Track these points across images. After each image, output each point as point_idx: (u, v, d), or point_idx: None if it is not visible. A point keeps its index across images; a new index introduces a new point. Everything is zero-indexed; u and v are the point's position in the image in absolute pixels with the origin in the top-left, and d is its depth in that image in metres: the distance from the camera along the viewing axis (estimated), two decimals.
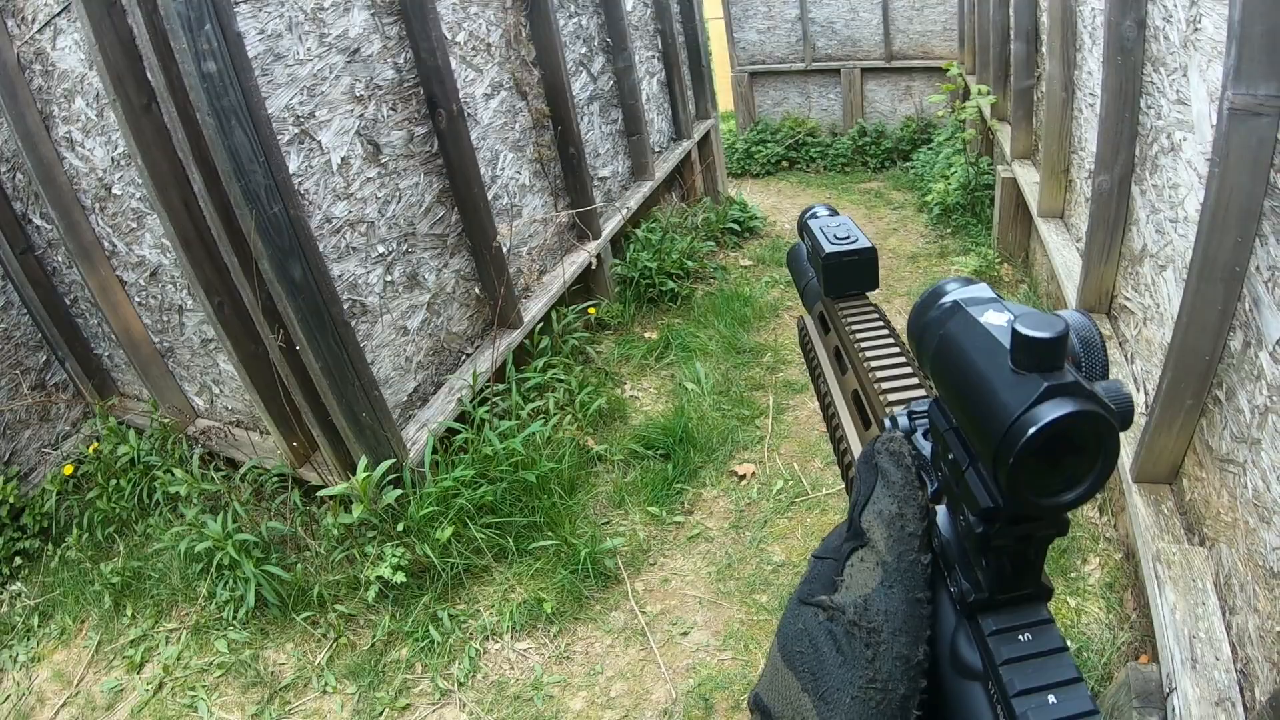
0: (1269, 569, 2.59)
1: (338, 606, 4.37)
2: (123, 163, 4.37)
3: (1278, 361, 2.59)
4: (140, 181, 4.12)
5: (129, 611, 4.73)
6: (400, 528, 4.40)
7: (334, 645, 4.28)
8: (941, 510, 0.62)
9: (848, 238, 0.93)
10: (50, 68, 4.34)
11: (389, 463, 4.39)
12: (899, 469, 0.63)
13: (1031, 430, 0.48)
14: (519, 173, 6.08)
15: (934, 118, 11.01)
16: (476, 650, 4.19)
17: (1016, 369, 0.51)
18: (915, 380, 0.78)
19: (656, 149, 8.68)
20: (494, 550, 4.59)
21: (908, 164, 11.04)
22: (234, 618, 4.43)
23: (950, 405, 0.59)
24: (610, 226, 7.23)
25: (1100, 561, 4.17)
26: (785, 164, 12.26)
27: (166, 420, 5.34)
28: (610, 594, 4.48)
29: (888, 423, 0.71)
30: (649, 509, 4.98)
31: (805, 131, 12.21)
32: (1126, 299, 4.43)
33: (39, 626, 4.85)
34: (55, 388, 5.89)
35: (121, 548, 5.10)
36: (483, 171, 5.47)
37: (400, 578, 4.26)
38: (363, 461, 4.30)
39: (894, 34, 11.31)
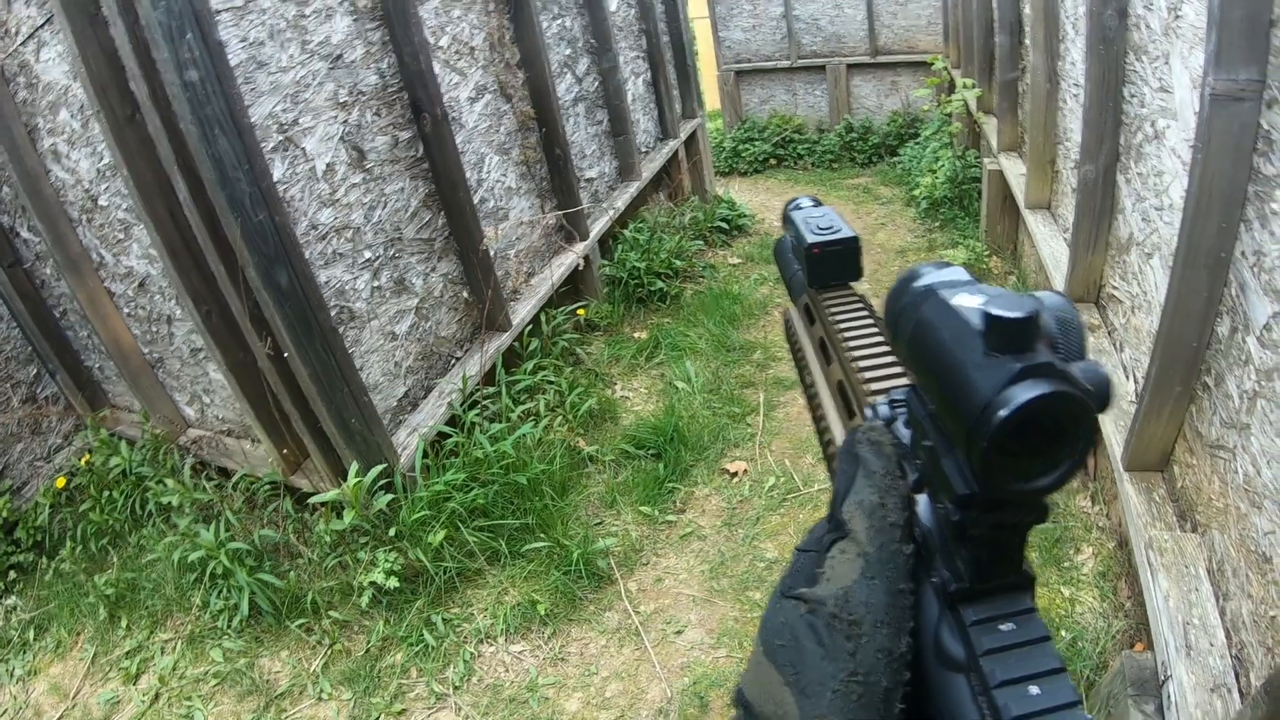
0: (1261, 554, 2.60)
1: (332, 613, 4.38)
2: (108, 173, 4.37)
3: (1265, 346, 2.60)
4: (126, 192, 4.12)
5: (124, 623, 4.73)
6: (392, 533, 4.40)
7: (329, 652, 4.28)
8: (923, 499, 0.61)
9: (830, 228, 0.92)
10: (34, 80, 4.34)
11: (380, 468, 4.39)
12: (880, 458, 0.62)
13: (1004, 413, 0.48)
14: (505, 175, 6.08)
15: (920, 112, 11.01)
16: (471, 654, 4.19)
17: (989, 352, 0.50)
18: (898, 369, 0.78)
19: (643, 149, 8.68)
20: (486, 553, 4.59)
21: (895, 159, 11.06)
22: (228, 626, 4.43)
23: (925, 390, 0.59)
24: (598, 227, 7.23)
25: (1094, 551, 4.17)
26: (773, 161, 12.27)
27: (158, 431, 5.33)
28: (604, 594, 4.48)
29: (869, 412, 0.70)
30: (641, 508, 4.99)
31: (792, 129, 12.23)
32: (1114, 288, 4.44)
33: (35, 640, 4.84)
34: (46, 401, 5.88)
35: (115, 559, 5.10)
36: (468, 175, 5.46)
37: (393, 583, 4.27)
38: (353, 467, 4.30)
39: (879, 29, 11.32)
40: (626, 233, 7.67)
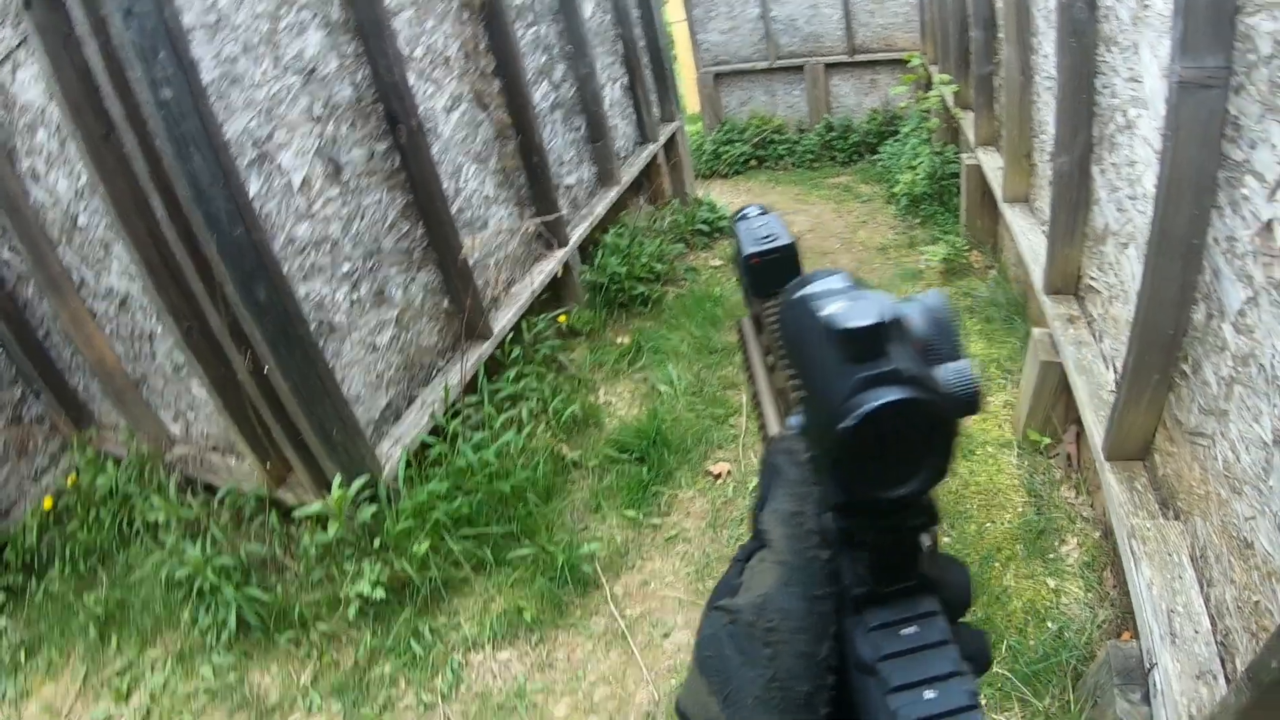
0: (1242, 539, 2.61)
1: (319, 625, 4.38)
2: (86, 193, 4.37)
3: (1240, 332, 2.61)
4: (104, 211, 4.12)
5: (114, 641, 4.72)
6: (377, 544, 4.40)
7: (318, 664, 4.29)
8: None
9: (769, 236, 0.92)
10: (11, 101, 4.34)
11: (363, 479, 4.39)
12: (795, 467, 0.63)
13: (846, 423, 0.49)
14: (483, 184, 6.09)
15: (899, 109, 11.01)
16: (459, 662, 4.20)
17: (841, 361, 0.51)
18: None
19: (622, 154, 8.68)
20: (472, 561, 4.59)
21: (875, 156, 11.04)
22: (218, 642, 4.42)
23: (802, 399, 0.60)
24: (578, 233, 7.22)
25: (1078, 541, 4.19)
26: (754, 163, 12.27)
27: (143, 448, 5.32)
28: (590, 599, 4.49)
29: (789, 421, 0.70)
30: (626, 512, 5.00)
31: (772, 129, 12.22)
32: (1092, 278, 4.46)
33: (26, 661, 4.83)
34: (32, 422, 5.87)
35: (104, 578, 5.08)
36: (446, 185, 5.47)
37: (380, 593, 4.27)
38: (337, 479, 4.30)
39: (856, 28, 11.33)
40: (607, 238, 7.66)
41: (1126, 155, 3.76)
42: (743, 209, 1.01)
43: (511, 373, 5.79)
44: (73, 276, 4.96)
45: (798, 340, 0.61)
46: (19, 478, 5.74)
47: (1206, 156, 2.71)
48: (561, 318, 6.81)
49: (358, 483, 4.35)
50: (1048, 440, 4.75)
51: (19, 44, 4.03)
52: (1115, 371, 3.99)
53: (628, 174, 8.49)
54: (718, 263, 8.47)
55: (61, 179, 4.44)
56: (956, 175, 8.30)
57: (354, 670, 4.23)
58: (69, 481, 5.55)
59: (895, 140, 10.60)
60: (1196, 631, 2.79)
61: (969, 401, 0.56)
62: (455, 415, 5.18)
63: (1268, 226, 2.38)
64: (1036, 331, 4.76)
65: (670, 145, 9.77)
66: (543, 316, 6.41)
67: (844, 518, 0.56)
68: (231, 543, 4.64)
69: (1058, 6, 4.24)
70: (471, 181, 5.94)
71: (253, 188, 4.10)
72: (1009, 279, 6.73)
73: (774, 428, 0.85)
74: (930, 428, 0.50)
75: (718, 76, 12.63)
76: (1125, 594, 3.61)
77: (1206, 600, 2.88)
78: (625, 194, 8.48)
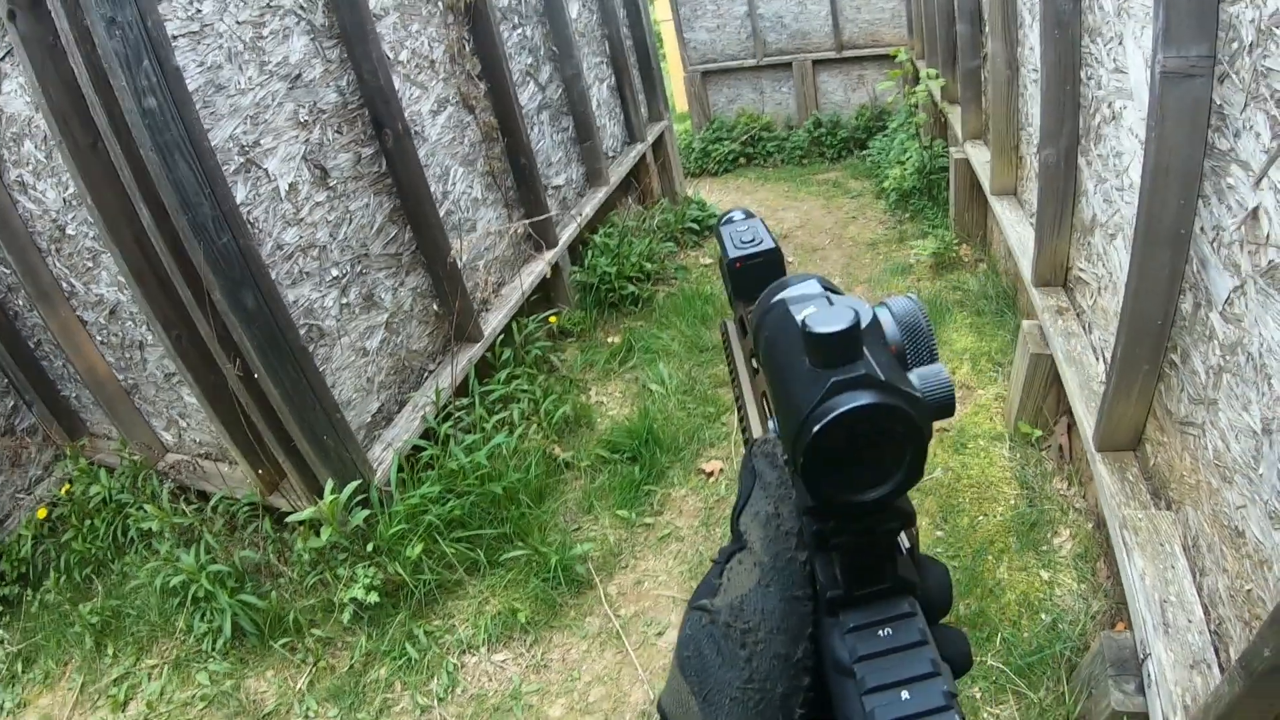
0: (1234, 528, 2.61)
1: (314, 631, 4.38)
2: (74, 203, 4.37)
3: (1228, 321, 2.61)
4: (92, 220, 4.11)
5: (110, 650, 4.72)
6: (370, 548, 4.40)
7: (313, 669, 4.29)
8: None
9: (752, 240, 0.92)
10: None
11: (355, 484, 4.39)
12: (774, 470, 0.63)
13: (816, 428, 0.49)
14: (471, 187, 6.09)
15: (887, 105, 11.03)
16: (454, 665, 4.20)
17: (811, 366, 0.52)
18: None
19: (610, 154, 8.69)
20: (465, 564, 4.60)
21: (864, 152, 11.06)
22: (213, 649, 4.43)
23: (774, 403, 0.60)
24: (567, 234, 7.24)
25: (1071, 533, 4.19)
26: (743, 160, 12.27)
27: (136, 457, 5.33)
28: (584, 599, 4.50)
29: (770, 425, 0.70)
30: (618, 512, 5.00)
31: (760, 127, 12.22)
32: (1081, 270, 4.46)
33: (23, 672, 4.83)
34: (25, 433, 5.87)
35: (100, 587, 5.08)
36: (433, 188, 5.47)
37: (374, 598, 4.27)
38: (329, 485, 4.30)
39: (843, 24, 11.32)
40: (596, 238, 7.67)
41: (1113, 146, 3.76)
42: (728, 213, 1.01)
43: (502, 374, 5.80)
44: (62, 286, 4.95)
45: (773, 344, 0.61)
46: (13, 489, 5.73)
47: (1192, 146, 2.71)
48: (552, 319, 6.83)
49: (350, 487, 4.35)
50: (1039, 432, 4.76)
51: (3, 55, 4.02)
52: (1105, 362, 4.00)
53: (616, 174, 8.50)
54: (708, 261, 8.48)
55: (49, 189, 4.43)
56: (945, 169, 8.29)
57: (349, 675, 4.23)
58: (63, 491, 5.56)
59: (884, 135, 10.62)
60: (1190, 621, 2.79)
61: (943, 405, 0.57)
62: (447, 418, 5.18)
63: (1254, 214, 2.38)
64: (1026, 324, 4.77)
65: (659, 144, 9.79)
66: (533, 318, 6.41)
67: (817, 521, 0.56)
68: (225, 550, 4.65)
69: None
70: (459, 184, 5.94)
71: (239, 194, 4.10)
72: (999, 272, 6.74)
73: (757, 430, 0.84)
74: (902, 432, 0.50)
75: (705, 75, 12.63)
76: (1118, 585, 3.61)
77: (1199, 589, 2.88)
78: (614, 194, 8.50)
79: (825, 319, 0.51)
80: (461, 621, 4.42)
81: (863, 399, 0.49)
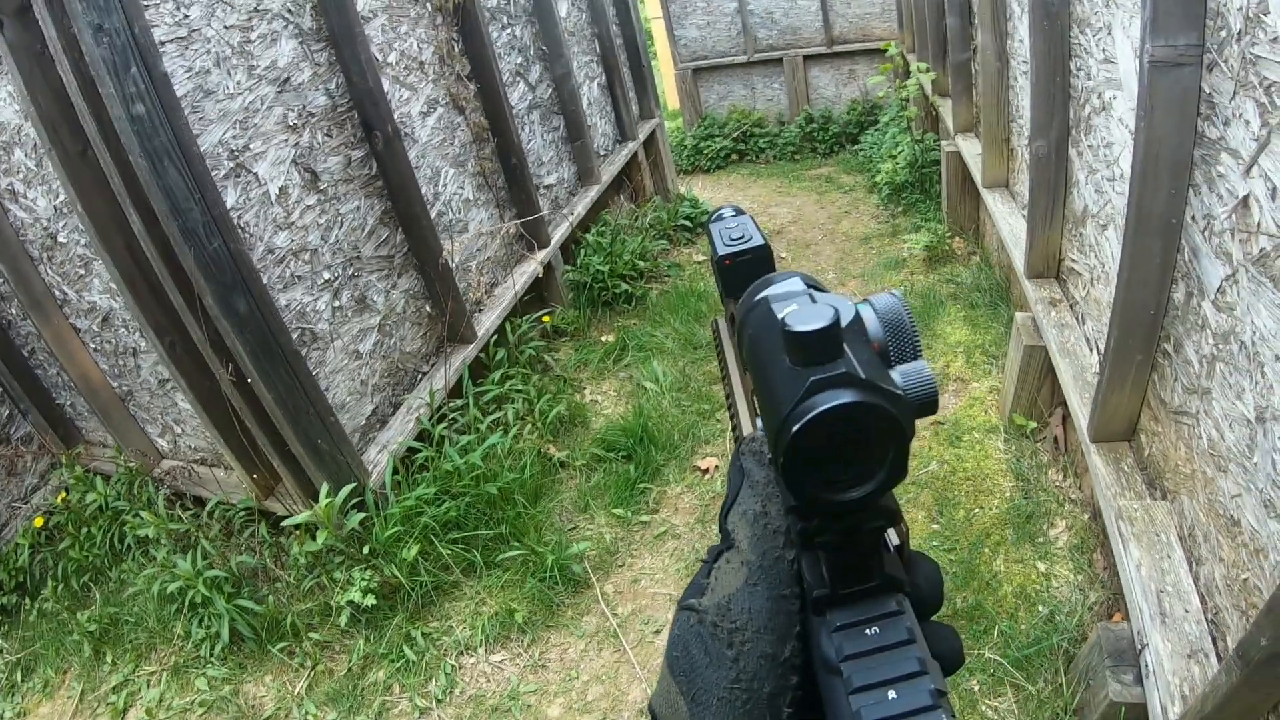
0: (1229, 517, 2.61)
1: (312, 634, 4.38)
2: (65, 210, 4.36)
3: (1220, 310, 2.61)
4: (83, 228, 4.10)
5: (109, 658, 4.72)
6: (366, 551, 4.40)
7: (311, 673, 4.29)
8: None
9: (741, 237, 0.92)
10: None
11: (350, 487, 4.38)
12: (762, 468, 0.63)
13: (795, 428, 0.48)
14: (462, 188, 6.08)
15: (879, 99, 11.05)
16: (452, 666, 4.20)
17: (791, 365, 0.51)
18: None
19: (601, 152, 8.69)
20: (462, 565, 4.60)
21: (856, 147, 11.05)
22: (211, 655, 4.43)
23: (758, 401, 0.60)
24: (559, 234, 7.23)
25: (1067, 524, 4.19)
26: (735, 157, 12.27)
27: (132, 464, 5.32)
28: (581, 599, 4.50)
29: (758, 422, 0.70)
30: (614, 511, 5.00)
31: (752, 123, 12.21)
32: (1073, 261, 4.47)
33: (22, 681, 4.82)
34: (20, 442, 5.86)
35: (97, 595, 5.08)
36: (424, 189, 5.46)
37: (370, 600, 4.27)
38: (324, 488, 4.29)
39: (833, 19, 11.32)
40: (589, 237, 7.68)
41: (1103, 137, 3.76)
42: (718, 210, 1.01)
43: (496, 375, 5.79)
44: (55, 294, 4.95)
45: (756, 342, 0.61)
46: (9, 498, 5.72)
47: (1181, 135, 2.71)
48: (545, 318, 6.83)
49: (345, 491, 4.34)
50: (1034, 424, 4.76)
51: None
52: (1098, 353, 3.99)
53: (608, 172, 8.50)
54: (701, 258, 8.48)
55: (40, 197, 4.43)
56: (937, 163, 8.31)
57: (347, 678, 4.23)
58: (59, 500, 5.54)
59: (875, 130, 10.62)
60: (1186, 611, 2.79)
61: (925, 403, 0.57)
62: (441, 419, 5.18)
63: (1244, 203, 2.38)
64: (1020, 316, 4.77)
65: (650, 142, 9.79)
66: (526, 318, 6.41)
67: (801, 520, 0.55)
68: (222, 555, 4.64)
69: None
70: (450, 185, 5.94)
71: (230, 199, 4.10)
72: (992, 264, 6.74)
73: (747, 428, 0.85)
74: (883, 430, 0.50)
75: (696, 72, 12.62)
76: (1115, 575, 3.62)
77: (1196, 579, 2.88)
78: (606, 192, 8.50)
79: (805, 317, 0.51)
80: (459, 623, 4.42)
81: (842, 398, 0.48)
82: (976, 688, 3.52)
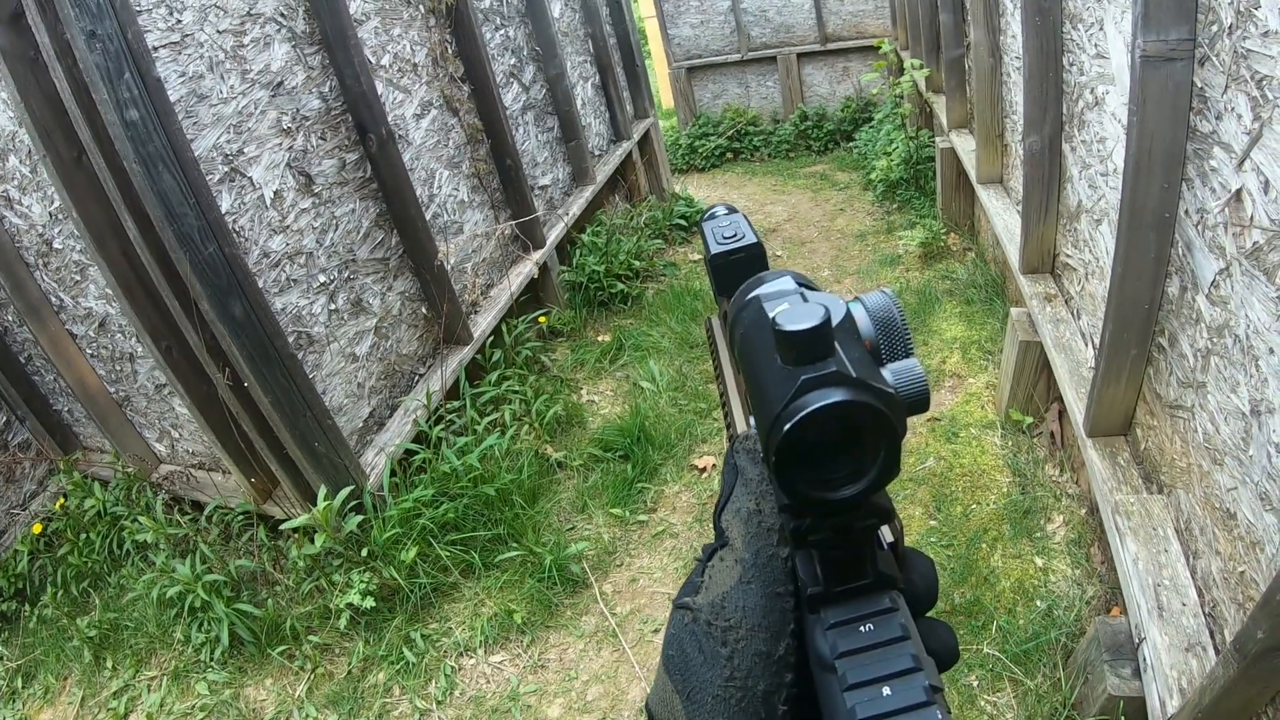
0: (1226, 510, 2.62)
1: (311, 637, 4.38)
2: (60, 217, 4.36)
3: (1214, 303, 2.62)
4: (79, 234, 4.10)
5: (109, 663, 4.71)
6: (365, 553, 4.40)
7: (311, 676, 4.29)
8: None
9: (734, 236, 0.91)
10: None
11: (348, 490, 4.38)
12: (756, 466, 0.63)
13: (786, 427, 0.48)
14: (457, 189, 6.08)
15: (873, 96, 11.05)
16: (452, 667, 4.20)
17: (782, 364, 0.51)
18: None
19: (596, 153, 8.70)
20: (460, 566, 4.60)
21: (851, 144, 11.10)
22: (211, 659, 4.43)
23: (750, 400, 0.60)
24: (554, 234, 7.24)
25: (1064, 519, 4.20)
26: (729, 155, 12.29)
27: (130, 469, 5.32)
28: (580, 598, 4.50)
29: (752, 420, 0.70)
30: (612, 510, 5.00)
31: (747, 121, 12.23)
32: (1068, 256, 4.47)
33: (23, 688, 4.81)
34: (18, 448, 5.85)
35: (97, 601, 5.07)
36: (419, 191, 5.47)
37: (369, 603, 4.27)
38: (322, 491, 4.29)
39: (827, 16, 11.34)
40: (584, 237, 7.69)
41: (1096, 132, 3.76)
42: (711, 208, 1.00)
43: (493, 376, 5.79)
44: (51, 300, 4.94)
45: (748, 341, 0.61)
46: (7, 505, 5.72)
47: (1174, 129, 2.72)
48: (541, 319, 6.84)
49: (343, 493, 4.35)
50: (1030, 420, 4.76)
51: None
52: (1093, 348, 4.00)
53: (603, 172, 8.50)
54: (696, 257, 8.48)
55: (35, 204, 4.42)
56: (932, 159, 8.32)
57: (347, 680, 4.23)
58: (57, 506, 5.54)
59: (870, 127, 10.64)
60: (1184, 604, 2.79)
61: (917, 401, 0.57)
62: (438, 421, 5.19)
63: (1237, 196, 2.39)
64: (1015, 311, 4.77)
65: (645, 142, 9.80)
66: (522, 319, 6.41)
67: (793, 518, 0.55)
68: (221, 559, 4.64)
69: None
70: (445, 187, 5.94)
71: (224, 203, 4.10)
72: (987, 260, 6.75)
73: (741, 426, 0.84)
74: (875, 429, 0.50)
75: (690, 71, 12.64)
76: (1112, 570, 3.63)
77: (1193, 572, 2.88)
78: (601, 192, 8.51)
79: (795, 316, 0.51)
80: (458, 624, 4.42)
81: (833, 396, 0.48)
82: (975, 683, 3.53)
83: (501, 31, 6.84)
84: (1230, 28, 2.34)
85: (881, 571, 0.56)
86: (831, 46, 11.52)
